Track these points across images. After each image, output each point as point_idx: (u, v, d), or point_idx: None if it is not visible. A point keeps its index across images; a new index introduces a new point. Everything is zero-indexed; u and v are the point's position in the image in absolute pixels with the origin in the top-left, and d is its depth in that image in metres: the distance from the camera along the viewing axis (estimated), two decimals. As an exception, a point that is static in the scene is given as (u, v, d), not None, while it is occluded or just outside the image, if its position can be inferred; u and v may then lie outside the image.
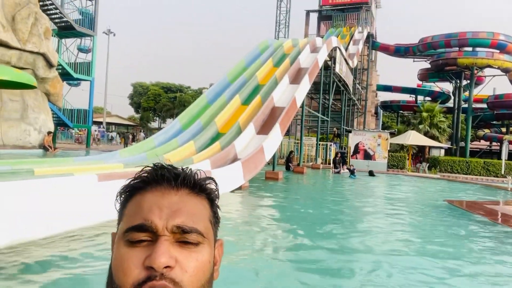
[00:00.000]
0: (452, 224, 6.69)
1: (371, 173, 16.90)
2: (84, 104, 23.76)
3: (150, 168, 0.59)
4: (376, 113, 43.55)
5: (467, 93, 32.24)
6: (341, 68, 22.01)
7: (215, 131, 11.30)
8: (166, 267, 0.50)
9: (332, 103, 24.91)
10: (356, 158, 20.60)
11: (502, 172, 20.38)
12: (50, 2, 19.23)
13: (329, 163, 22.17)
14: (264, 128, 11.50)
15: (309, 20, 39.78)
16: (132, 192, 0.58)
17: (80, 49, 27.62)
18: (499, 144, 34.74)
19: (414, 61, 37.85)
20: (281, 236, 5.30)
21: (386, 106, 42.67)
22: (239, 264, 3.69)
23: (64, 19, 20.74)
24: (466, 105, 31.07)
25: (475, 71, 30.04)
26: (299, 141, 18.81)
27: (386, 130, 23.65)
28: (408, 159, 24.82)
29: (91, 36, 23.34)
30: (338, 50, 20.62)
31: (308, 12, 39.88)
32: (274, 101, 12.62)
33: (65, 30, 21.66)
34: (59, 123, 21.96)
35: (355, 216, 7.40)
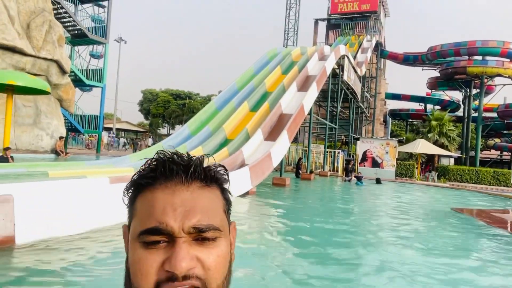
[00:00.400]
0: (457, 230, 6.69)
1: (378, 181, 16.87)
2: (95, 110, 24.19)
3: (157, 160, 0.57)
4: (385, 121, 43.40)
5: (477, 102, 32.02)
6: (349, 76, 22.08)
7: (223, 137, 11.44)
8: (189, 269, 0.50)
9: (340, 111, 24.95)
10: (364, 166, 20.56)
11: (511, 182, 20.16)
12: (63, 10, 19.71)
13: (337, 171, 22.14)
14: (272, 135, 11.60)
15: (317, 29, 40.00)
16: (141, 188, 0.56)
17: (92, 55, 28.17)
18: (509, 153, 34.37)
19: (423, 69, 37.76)
20: (287, 240, 5.37)
21: (395, 114, 42.52)
22: (245, 269, 3.77)
23: (77, 27, 21.21)
24: (476, 114, 30.84)
25: (485, 80, 29.87)
26: (307, 148, 18.86)
27: (394, 138, 23.58)
28: (417, 167, 24.69)
29: (103, 44, 23.79)
30: (346, 58, 20.72)
31: (316, 21, 40.12)
32: (282, 108, 12.73)
33: (78, 37, 22.14)
34: (71, 129, 22.35)
35: (361, 223, 7.43)
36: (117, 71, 44.26)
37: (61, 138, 16.76)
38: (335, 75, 20.91)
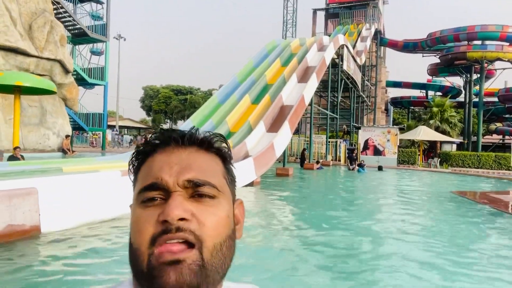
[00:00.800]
0: (455, 212, 6.96)
1: (380, 168, 17.15)
2: (98, 108, 24.47)
3: (158, 133, 0.59)
4: (387, 109, 43.48)
5: (478, 87, 32.07)
6: (348, 66, 22.21)
7: (226, 130, 11.70)
8: (181, 219, 0.50)
9: (341, 101, 25.13)
10: (366, 154, 20.79)
11: (511, 164, 20.36)
12: (63, 10, 19.91)
13: (339, 160, 22.39)
14: (274, 126, 11.85)
15: (316, 19, 39.96)
16: (143, 158, 0.58)
17: (93, 52, 28.37)
18: (511, 137, 34.46)
19: (423, 56, 37.74)
20: (292, 228, 5.65)
21: (397, 102, 42.58)
22: (250, 257, 4.04)
23: (77, 26, 21.41)
24: (477, 99, 30.92)
25: (485, 65, 29.89)
26: (309, 139, 19.10)
27: (395, 126, 23.77)
28: (419, 154, 24.88)
29: (104, 42, 24.00)
30: (345, 47, 20.84)
31: (315, 11, 40.06)
32: (283, 100, 12.95)
33: (78, 36, 22.35)
34: (75, 127, 22.65)
35: (363, 206, 7.71)
36: (117, 69, 44.43)
37: (67, 136, 17.07)
38: (335, 65, 21.06)
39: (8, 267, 3.07)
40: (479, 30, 28.70)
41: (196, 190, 0.53)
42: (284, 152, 12.92)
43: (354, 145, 24.95)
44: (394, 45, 37.77)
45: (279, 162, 14.77)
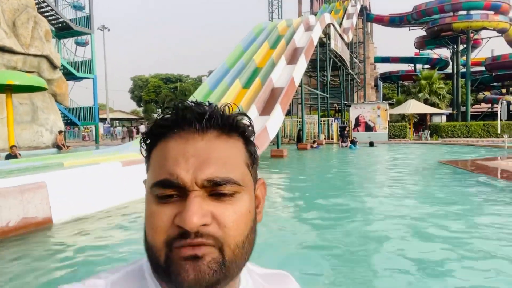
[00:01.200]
0: (439, 177, 7.35)
1: (371, 144, 17.53)
2: (86, 101, 24.40)
3: (171, 108, 0.52)
4: (376, 85, 43.74)
5: (465, 58, 32.36)
6: (336, 44, 22.30)
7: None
8: (201, 225, 0.46)
9: (330, 80, 25.29)
10: (358, 131, 21.13)
11: (498, 132, 20.84)
12: (45, 4, 19.61)
13: (332, 138, 22.72)
14: (266, 109, 12.05)
15: (301, -2, 39.68)
16: (156, 138, 0.52)
17: (78, 43, 28.01)
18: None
19: (410, 30, 37.80)
20: (290, 208, 5.94)
21: (386, 77, 42.81)
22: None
23: (61, 19, 21.13)
24: (465, 70, 31.26)
25: (471, 35, 30.11)
26: (301, 119, 19.35)
27: (385, 101, 24.07)
28: (409, 128, 25.29)
29: (89, 34, 23.74)
30: (332, 26, 20.89)
31: (300, -10, 39.74)
32: (273, 83, 13.11)
33: (62, 30, 22.09)
34: (67, 122, 22.62)
35: (355, 181, 8.02)
36: (104, 61, 43.94)
37: (60, 132, 17.12)
38: (323, 44, 21.14)
39: (27, 257, 3.30)
40: (463, 0, 28.79)
41: (215, 190, 0.48)
42: (277, 134, 13.16)
43: (346, 123, 25.28)
44: (380, 20, 37.75)
45: (273, 144, 15.02)
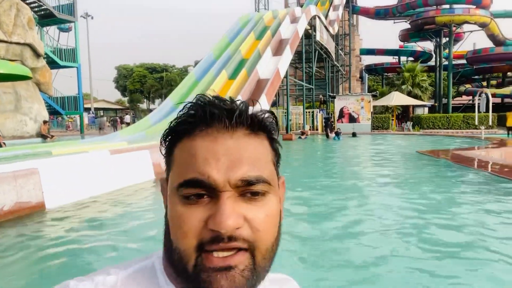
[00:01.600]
0: (416, 166, 7.74)
1: (354, 135, 17.99)
2: (69, 90, 24.14)
3: (195, 104, 0.49)
4: (361, 77, 44.28)
5: (447, 51, 33.02)
6: (322, 36, 22.53)
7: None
8: (236, 228, 0.44)
9: (316, 71, 25.55)
10: (342, 122, 21.53)
11: (476, 123, 21.54)
12: (28, -9, 19.23)
13: (317, 129, 23.09)
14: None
15: (288, -11, 39.62)
16: (179, 135, 0.49)
17: (61, 29, 27.49)
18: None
19: (394, 22, 38.25)
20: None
21: (371, 69, 43.35)
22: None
23: (44, 7, 20.76)
24: (447, 63, 31.93)
25: (454, 28, 30.71)
26: (287, 110, 19.61)
27: (368, 93, 24.52)
28: (393, 119, 25.85)
29: (72, 22, 23.38)
30: (317, 18, 21.08)
31: (287, -19, 39.66)
32: (259, 74, 13.30)
33: (45, 18, 21.69)
34: (51, 112, 22.36)
35: (337, 170, 8.34)
36: (88, 49, 43.26)
37: (45, 122, 16.97)
38: (308, 36, 21.33)
39: (23, 240, 3.47)
40: (447, -6, 29.32)
41: (248, 189, 0.46)
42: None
43: (330, 114, 25.67)
44: (366, 12, 38.08)
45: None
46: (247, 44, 15.22)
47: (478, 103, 21.07)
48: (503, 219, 3.91)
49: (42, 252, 3.19)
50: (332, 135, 18.44)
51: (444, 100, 32.99)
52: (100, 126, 27.77)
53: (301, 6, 25.87)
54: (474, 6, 29.30)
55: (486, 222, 3.80)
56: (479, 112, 22.96)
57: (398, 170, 7.85)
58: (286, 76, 16.49)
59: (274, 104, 25.51)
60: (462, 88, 38.66)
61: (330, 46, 26.49)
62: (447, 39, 31.81)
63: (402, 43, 41.05)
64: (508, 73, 36.77)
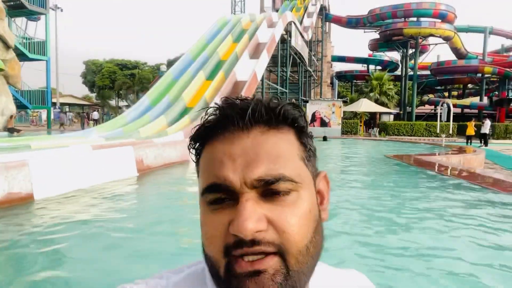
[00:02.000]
0: (386, 169, 8.29)
1: (324, 138, 18.66)
2: (34, 84, 23.41)
3: (215, 107, 0.48)
4: (332, 83, 45.50)
5: (413, 61, 34.65)
6: (296, 42, 23.13)
7: (183, 106, 12.18)
8: (257, 231, 0.41)
9: (289, 75, 26.14)
10: (314, 126, 22.17)
11: (437, 131, 22.82)
12: (-3, -21, 18.56)
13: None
14: (228, 101, 12.49)
15: (264, -7, 40.18)
16: (203, 142, 0.48)
17: (29, 18, 26.56)
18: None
19: (364, 32, 39.67)
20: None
21: (341, 76, 44.63)
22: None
23: (13, -3, 20.12)
24: (412, 73, 33.50)
25: (420, 40, 32.30)
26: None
27: (339, 99, 25.37)
28: (361, 125, 26.87)
29: (43, 14, 22.75)
30: (293, 24, 21.65)
31: (262, -15, 40.21)
32: (236, 76, 13.58)
33: (15, 9, 21.01)
34: (17, 105, 21.61)
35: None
36: (55, 42, 41.84)
37: (12, 116, 16.47)
38: (283, 40, 21.85)
39: (14, 228, 3.59)
40: (414, 8, 30.81)
41: (268, 189, 0.44)
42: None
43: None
44: (338, 21, 39.26)
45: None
46: (224, 46, 15.47)
47: (440, 113, 22.35)
48: (458, 212, 4.41)
49: (33, 239, 3.33)
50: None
51: (409, 109, 34.56)
52: (60, 122, 26.20)
53: (277, 11, 26.45)
54: (440, 20, 30.96)
55: (444, 214, 4.28)
56: (440, 121, 24.37)
57: (369, 170, 8.37)
58: (262, 79, 16.86)
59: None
60: (425, 98, 40.60)
61: (304, 51, 27.19)
62: (413, 50, 33.40)
63: (371, 52, 42.67)
64: (469, 85, 39.02)
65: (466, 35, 38.36)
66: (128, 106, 57.42)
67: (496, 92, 35.09)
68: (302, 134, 0.50)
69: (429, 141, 21.81)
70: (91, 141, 7.06)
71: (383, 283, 2.46)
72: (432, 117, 40.41)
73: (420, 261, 2.90)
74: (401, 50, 35.37)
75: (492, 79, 35.14)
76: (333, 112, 22.31)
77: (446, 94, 40.99)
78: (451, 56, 36.53)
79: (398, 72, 39.34)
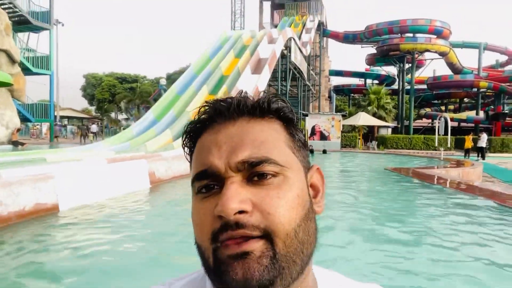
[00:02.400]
0: (387, 182, 8.56)
1: (324, 152, 18.99)
2: (37, 97, 23.61)
3: (206, 106, 0.50)
4: (330, 97, 46.07)
5: (410, 76, 35.27)
6: (296, 57, 23.63)
7: (188, 120, 12.43)
8: (240, 212, 0.42)
9: (289, 90, 26.58)
10: (313, 139, 22.49)
11: (436, 145, 23.16)
12: (4, -4, 19.02)
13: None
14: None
15: (262, 9, 41.06)
16: (193, 138, 0.50)
17: (31, 30, 26.84)
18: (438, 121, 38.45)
19: (362, 47, 40.41)
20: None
21: (339, 90, 45.22)
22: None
23: (18, 13, 20.53)
24: (409, 87, 34.08)
25: (416, 55, 32.97)
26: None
27: (338, 113, 25.77)
28: (359, 138, 27.22)
29: (48, 30, 23.16)
30: (293, 40, 22.16)
31: (261, 1, 41.10)
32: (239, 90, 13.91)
33: (20, 24, 21.40)
34: (21, 119, 21.82)
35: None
36: (56, 56, 42.30)
37: (18, 130, 16.69)
38: (283, 55, 22.33)
39: (42, 238, 3.81)
40: (410, 24, 31.55)
41: (253, 171, 0.44)
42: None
43: (302, 131, 26.60)
44: (335, 36, 40.03)
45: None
46: (227, 61, 15.86)
47: (438, 126, 22.72)
48: (456, 224, 4.65)
49: (64, 247, 3.55)
50: (305, 151, 19.28)
51: (406, 122, 35.03)
52: (55, 135, 26.13)
53: (275, 27, 27.04)
54: (435, 36, 31.68)
55: (443, 226, 4.52)
56: (438, 134, 24.75)
57: (370, 183, 8.62)
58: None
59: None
60: (422, 112, 41.15)
61: (303, 66, 27.70)
62: (410, 65, 34.04)
63: (368, 67, 43.39)
64: (465, 99, 39.66)
65: (461, 51, 39.19)
66: (127, 119, 57.76)
67: (492, 106, 35.69)
68: (289, 125, 0.51)
69: (427, 154, 22.12)
70: (104, 155, 7.30)
71: None
72: (429, 130, 40.91)
73: (425, 275, 3.13)
74: (397, 65, 36.01)
75: (487, 93, 35.79)
76: (332, 126, 22.66)
77: (443, 108, 41.60)
78: (447, 71, 37.24)
79: (395, 86, 39.94)
